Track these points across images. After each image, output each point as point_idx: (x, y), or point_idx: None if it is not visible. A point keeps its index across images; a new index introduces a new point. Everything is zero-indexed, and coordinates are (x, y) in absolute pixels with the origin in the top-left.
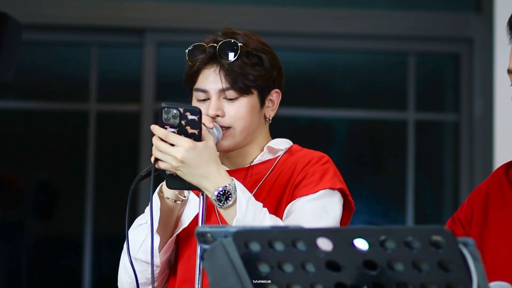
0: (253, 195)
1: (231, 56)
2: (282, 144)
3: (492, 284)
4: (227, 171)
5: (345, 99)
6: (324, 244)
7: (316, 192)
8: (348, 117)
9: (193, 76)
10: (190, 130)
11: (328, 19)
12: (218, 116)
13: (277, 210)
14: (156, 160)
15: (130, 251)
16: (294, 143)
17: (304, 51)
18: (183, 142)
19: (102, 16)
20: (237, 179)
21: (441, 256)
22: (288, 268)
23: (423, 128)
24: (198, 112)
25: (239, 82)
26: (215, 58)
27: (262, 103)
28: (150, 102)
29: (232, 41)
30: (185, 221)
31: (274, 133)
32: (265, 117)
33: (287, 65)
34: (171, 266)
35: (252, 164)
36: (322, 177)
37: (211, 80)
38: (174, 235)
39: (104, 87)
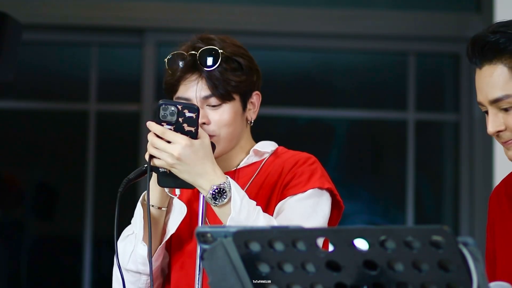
0: None
1: (211, 63)
2: (268, 146)
3: (492, 284)
4: None
5: (345, 99)
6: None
7: (305, 191)
8: (348, 117)
9: (174, 85)
10: (187, 128)
11: (328, 19)
12: (204, 123)
13: (266, 210)
14: (151, 157)
15: (120, 262)
16: (294, 143)
17: (304, 51)
18: (180, 140)
19: (102, 16)
20: None
21: (441, 256)
22: (288, 268)
23: (423, 128)
24: (196, 110)
25: (221, 89)
26: (196, 66)
27: (244, 107)
28: (150, 102)
29: (212, 48)
30: (172, 227)
31: (273, 133)
32: (247, 120)
33: (287, 65)
34: (165, 275)
35: (238, 167)
36: (311, 177)
37: (193, 88)
38: (163, 243)
39: (104, 87)
